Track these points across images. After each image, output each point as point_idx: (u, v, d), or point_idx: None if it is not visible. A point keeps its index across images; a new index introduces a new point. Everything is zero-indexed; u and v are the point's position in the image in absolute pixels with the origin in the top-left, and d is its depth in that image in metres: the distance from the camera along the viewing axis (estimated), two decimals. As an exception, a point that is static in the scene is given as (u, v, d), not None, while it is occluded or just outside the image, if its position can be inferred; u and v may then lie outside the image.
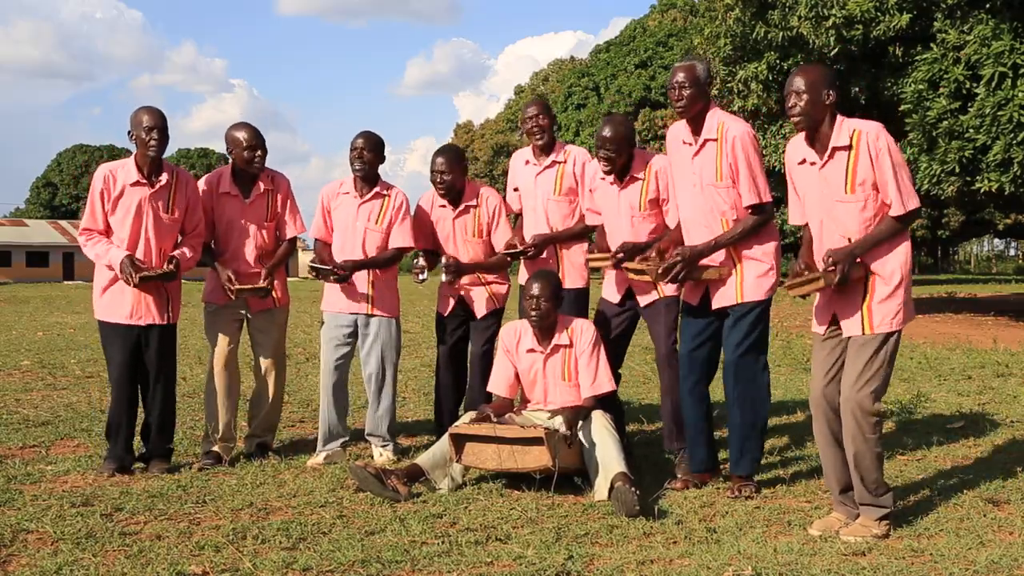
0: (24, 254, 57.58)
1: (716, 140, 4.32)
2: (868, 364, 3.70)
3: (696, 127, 4.39)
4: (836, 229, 3.76)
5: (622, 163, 4.72)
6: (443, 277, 5.19)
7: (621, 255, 4.63)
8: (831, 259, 3.65)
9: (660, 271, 4.28)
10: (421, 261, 5.26)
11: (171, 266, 4.75)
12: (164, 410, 4.89)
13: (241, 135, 5.02)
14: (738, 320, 4.37)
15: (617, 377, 4.95)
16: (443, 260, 5.19)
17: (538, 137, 5.14)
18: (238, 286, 4.92)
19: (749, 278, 4.36)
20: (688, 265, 4.28)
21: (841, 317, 3.80)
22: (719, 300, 4.41)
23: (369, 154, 5.11)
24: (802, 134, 3.87)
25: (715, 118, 4.35)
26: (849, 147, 3.70)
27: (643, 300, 4.81)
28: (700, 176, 4.36)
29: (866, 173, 3.68)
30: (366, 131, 5.18)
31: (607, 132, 4.66)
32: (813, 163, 3.81)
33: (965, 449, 5.24)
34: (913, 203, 3.69)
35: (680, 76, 4.33)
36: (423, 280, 5.25)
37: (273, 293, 5.10)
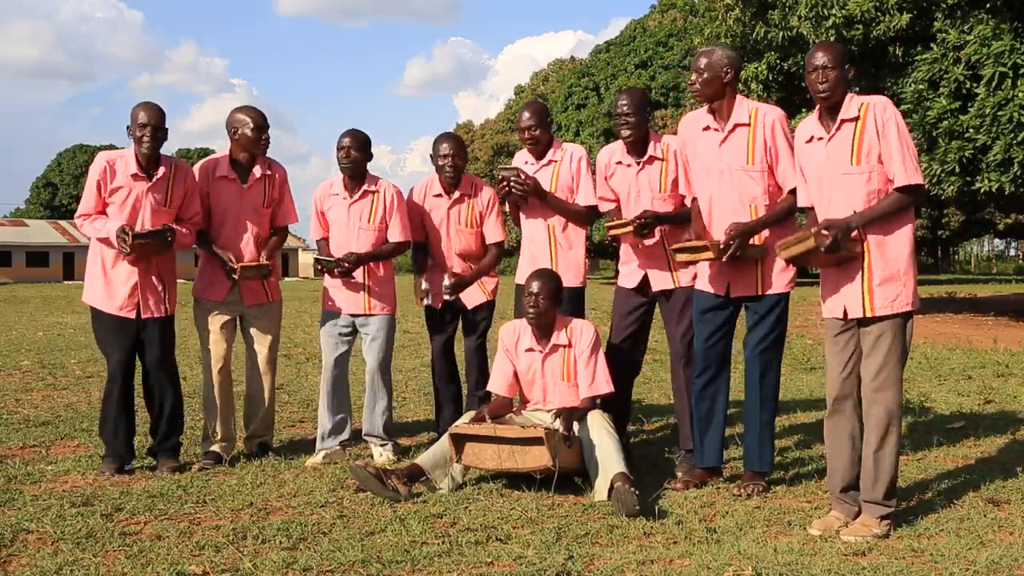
0: (24, 254, 57.54)
1: (748, 125, 4.31)
2: (886, 358, 3.71)
3: (722, 114, 4.38)
4: (842, 206, 3.76)
5: (643, 132, 4.72)
6: (445, 295, 5.15)
7: (642, 222, 4.60)
8: (827, 225, 3.66)
9: (722, 246, 4.19)
10: (424, 284, 5.25)
11: (161, 226, 4.69)
12: (173, 404, 4.88)
13: (246, 116, 5.03)
14: (764, 314, 4.36)
15: (637, 369, 4.94)
16: (444, 280, 5.12)
17: (530, 145, 5.07)
18: (241, 264, 4.91)
19: (775, 270, 4.34)
20: (743, 241, 4.21)
21: (845, 300, 3.80)
22: (740, 289, 4.38)
23: (356, 153, 5.11)
24: (813, 114, 3.91)
25: (744, 104, 4.36)
26: (856, 118, 3.74)
27: (658, 285, 4.79)
28: (729, 162, 4.33)
29: (871, 143, 3.72)
30: (352, 129, 5.18)
31: (624, 99, 4.69)
32: (821, 138, 3.84)
33: (965, 449, 5.24)
34: (917, 178, 3.69)
35: (703, 62, 4.32)
36: (429, 303, 5.26)
37: (264, 284, 5.10)
